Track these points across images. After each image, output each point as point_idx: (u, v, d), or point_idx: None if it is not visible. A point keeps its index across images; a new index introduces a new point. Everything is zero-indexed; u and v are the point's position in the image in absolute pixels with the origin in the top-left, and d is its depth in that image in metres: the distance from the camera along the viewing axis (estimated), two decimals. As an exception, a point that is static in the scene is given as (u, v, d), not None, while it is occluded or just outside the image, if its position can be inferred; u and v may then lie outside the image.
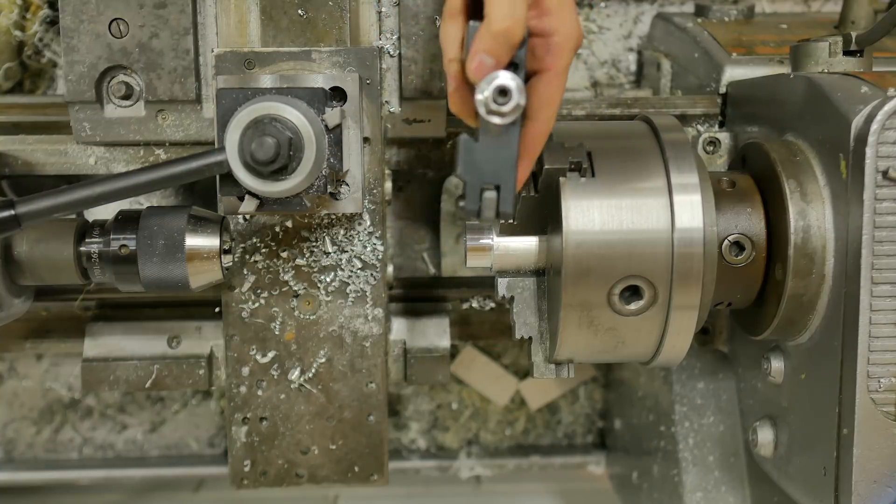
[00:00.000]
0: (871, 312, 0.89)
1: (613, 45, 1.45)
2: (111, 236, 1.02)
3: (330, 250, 1.10)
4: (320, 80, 0.96)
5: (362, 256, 1.11)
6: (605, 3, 1.44)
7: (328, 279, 1.11)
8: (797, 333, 0.98)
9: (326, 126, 0.93)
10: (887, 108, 0.87)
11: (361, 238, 1.09)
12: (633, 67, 1.46)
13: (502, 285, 1.01)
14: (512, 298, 1.01)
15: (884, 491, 0.91)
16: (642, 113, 1.10)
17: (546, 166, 0.92)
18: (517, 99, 0.78)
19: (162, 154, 1.12)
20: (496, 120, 0.79)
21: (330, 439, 1.15)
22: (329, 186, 0.96)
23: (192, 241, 1.01)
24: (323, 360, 1.13)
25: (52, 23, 1.33)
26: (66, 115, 1.18)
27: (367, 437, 1.15)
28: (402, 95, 1.11)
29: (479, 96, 0.79)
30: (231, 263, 1.06)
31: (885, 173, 0.87)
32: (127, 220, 1.03)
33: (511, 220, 0.96)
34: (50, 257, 1.03)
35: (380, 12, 1.09)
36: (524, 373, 1.52)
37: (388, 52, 1.10)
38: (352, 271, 1.11)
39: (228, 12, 1.06)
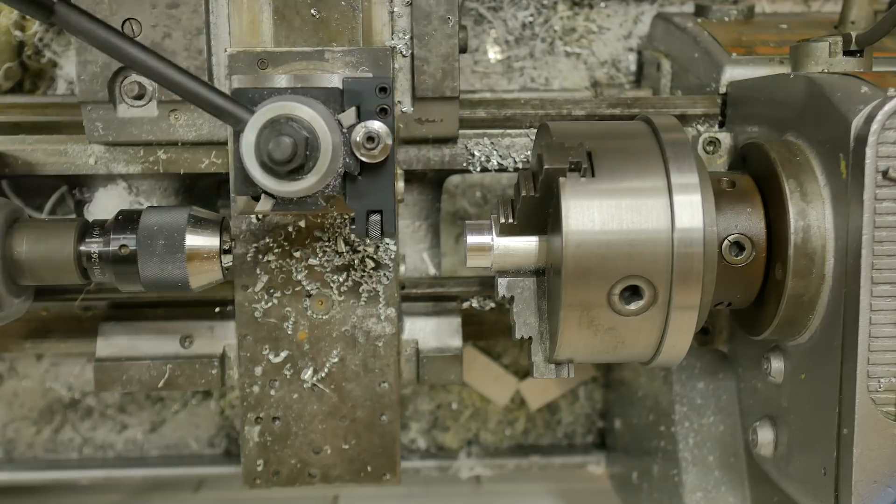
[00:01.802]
0: (871, 312, 0.89)
1: (613, 45, 1.45)
2: (111, 236, 1.02)
3: (343, 250, 1.10)
4: (335, 79, 0.96)
5: (375, 256, 1.11)
6: (605, 3, 1.44)
7: (341, 279, 1.11)
8: (797, 333, 0.98)
9: (341, 126, 0.94)
10: (887, 108, 0.87)
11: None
12: (633, 67, 1.46)
13: (502, 285, 1.01)
14: (512, 298, 1.01)
15: (884, 491, 0.91)
16: (642, 113, 1.10)
17: (546, 166, 0.92)
18: (385, 142, 0.92)
19: (162, 155, 1.12)
20: (367, 160, 0.93)
21: (343, 439, 1.15)
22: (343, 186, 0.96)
23: (192, 241, 1.01)
24: (336, 359, 1.13)
25: (53, 23, 1.33)
26: (66, 115, 1.19)
27: (379, 436, 1.15)
28: (414, 95, 1.11)
29: (353, 139, 0.92)
30: (231, 263, 1.06)
31: (885, 173, 0.87)
32: (127, 220, 1.03)
33: (393, 239, 1.10)
34: (50, 257, 1.03)
35: (392, 12, 1.09)
36: (524, 373, 1.52)
37: (401, 52, 1.10)
38: (364, 271, 1.11)
39: (241, 12, 1.06)
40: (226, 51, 1.04)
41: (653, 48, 1.38)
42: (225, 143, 1.11)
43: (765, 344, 1.04)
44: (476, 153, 1.16)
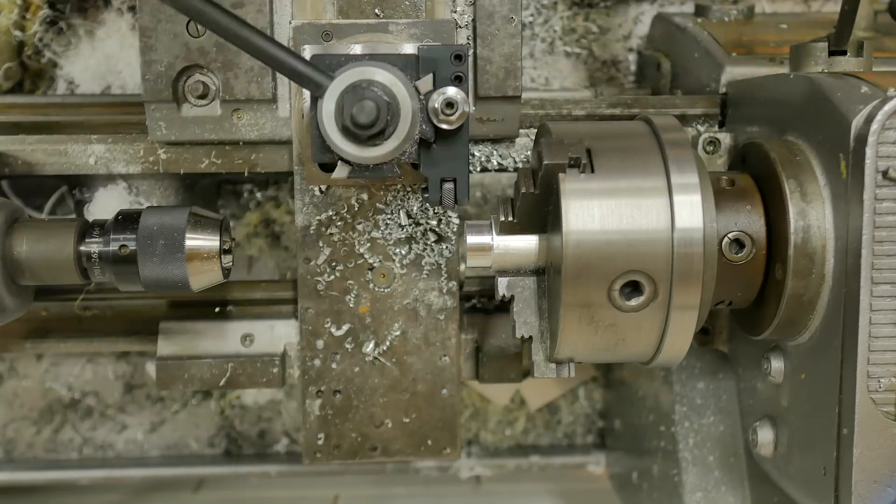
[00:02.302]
0: (871, 312, 0.89)
1: (613, 45, 1.45)
2: (111, 236, 1.02)
3: (405, 223, 1.10)
4: (408, 48, 0.97)
5: (437, 229, 1.11)
6: (605, 3, 1.44)
7: (403, 252, 1.12)
8: (797, 333, 0.98)
9: (419, 92, 0.93)
10: (887, 108, 0.87)
11: (437, 211, 1.10)
12: (633, 67, 1.46)
13: (502, 285, 1.01)
14: (512, 298, 1.01)
15: (884, 491, 0.91)
16: (642, 113, 1.10)
17: (545, 161, 0.92)
18: (462, 109, 0.92)
19: (162, 155, 1.12)
20: (445, 126, 0.92)
21: (404, 413, 1.15)
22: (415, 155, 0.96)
23: (192, 241, 1.01)
24: (397, 332, 1.14)
25: (52, 23, 1.33)
26: (66, 115, 1.19)
27: (440, 410, 1.15)
28: (476, 94, 1.11)
29: (431, 106, 0.92)
30: (231, 264, 1.06)
31: (885, 173, 0.87)
32: (127, 220, 1.03)
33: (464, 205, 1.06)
34: (50, 257, 1.03)
35: (454, 12, 1.08)
36: (524, 373, 1.52)
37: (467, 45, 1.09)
38: (427, 244, 1.12)
39: (304, 10, 1.06)
40: (290, 22, 1.04)
41: (653, 48, 1.38)
42: (288, 142, 1.11)
43: (765, 344, 1.04)
44: (476, 153, 1.16)
